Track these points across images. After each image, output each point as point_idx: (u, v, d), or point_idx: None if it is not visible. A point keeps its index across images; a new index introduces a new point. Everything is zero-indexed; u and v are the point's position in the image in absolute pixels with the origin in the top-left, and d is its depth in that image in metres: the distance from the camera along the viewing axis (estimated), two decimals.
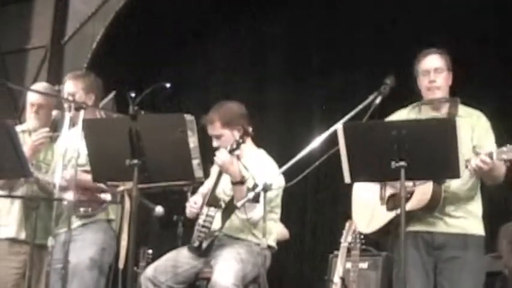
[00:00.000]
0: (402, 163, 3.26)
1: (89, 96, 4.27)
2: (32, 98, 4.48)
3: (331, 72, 7.08)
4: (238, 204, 3.74)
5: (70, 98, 4.22)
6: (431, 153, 3.29)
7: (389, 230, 3.68)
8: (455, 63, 3.86)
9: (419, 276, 3.47)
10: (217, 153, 3.99)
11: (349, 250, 5.18)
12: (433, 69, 3.74)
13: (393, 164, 3.27)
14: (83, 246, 4.04)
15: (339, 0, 6.91)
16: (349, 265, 5.22)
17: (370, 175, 3.46)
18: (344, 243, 5.18)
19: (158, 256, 4.41)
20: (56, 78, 6.91)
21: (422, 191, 3.55)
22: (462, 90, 3.85)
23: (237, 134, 4.15)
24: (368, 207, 3.79)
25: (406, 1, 6.45)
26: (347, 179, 3.41)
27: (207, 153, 4.28)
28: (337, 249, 5.27)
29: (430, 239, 3.51)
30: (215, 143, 4.21)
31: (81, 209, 4.12)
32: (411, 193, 3.58)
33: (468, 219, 3.63)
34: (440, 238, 3.58)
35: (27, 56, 7.38)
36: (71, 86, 4.29)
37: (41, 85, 4.70)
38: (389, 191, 3.70)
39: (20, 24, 7.47)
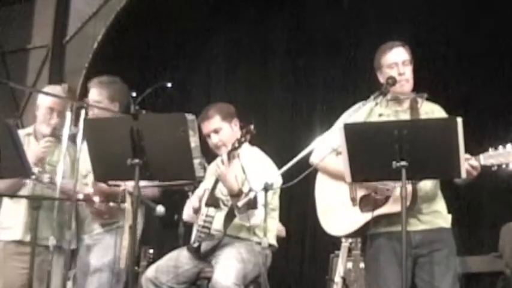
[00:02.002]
0: (403, 163, 3.26)
1: (113, 104, 4.31)
2: (48, 101, 4.37)
3: (332, 72, 7.08)
4: (240, 203, 3.73)
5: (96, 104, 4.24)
6: (432, 153, 3.28)
7: (363, 232, 3.65)
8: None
9: (394, 278, 3.46)
10: (218, 162, 3.98)
11: (350, 250, 5.18)
12: (401, 62, 3.70)
13: (394, 164, 3.26)
14: (102, 250, 4.15)
15: (341, 1, 6.91)
16: (350, 265, 5.22)
17: (371, 175, 3.45)
18: (345, 243, 5.18)
19: (159, 256, 4.42)
20: (57, 78, 6.93)
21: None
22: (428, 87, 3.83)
23: (235, 128, 4.16)
24: (336, 208, 3.73)
25: (407, 2, 6.47)
26: (348, 178, 3.41)
27: (208, 153, 4.29)
28: (338, 249, 5.27)
29: (408, 239, 3.45)
30: (214, 139, 4.19)
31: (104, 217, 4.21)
32: (387, 197, 3.57)
33: (438, 214, 3.66)
34: (417, 236, 3.58)
35: (29, 56, 7.38)
36: (96, 94, 4.31)
37: (53, 88, 4.55)
38: (359, 192, 3.67)
39: (22, 23, 7.48)
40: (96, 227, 4.29)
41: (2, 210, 4.41)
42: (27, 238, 4.23)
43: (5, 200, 4.37)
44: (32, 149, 4.31)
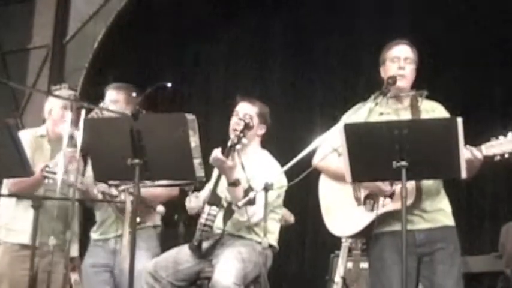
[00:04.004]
0: (403, 163, 3.25)
1: (128, 107, 4.42)
2: (60, 102, 4.43)
3: (332, 71, 7.08)
4: (240, 203, 3.73)
5: (111, 107, 4.34)
6: (432, 152, 3.28)
7: (369, 231, 3.64)
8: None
9: (398, 277, 3.45)
10: (216, 150, 3.99)
11: (350, 250, 5.18)
12: (403, 58, 3.72)
13: (394, 164, 3.26)
14: (138, 254, 4.13)
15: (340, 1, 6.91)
16: (350, 265, 5.22)
17: (371, 175, 3.45)
18: (345, 243, 5.18)
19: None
20: (57, 78, 6.93)
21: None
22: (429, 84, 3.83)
23: (259, 131, 4.24)
24: (340, 208, 3.72)
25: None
26: (348, 178, 3.41)
27: (208, 153, 4.29)
28: (338, 249, 5.27)
29: (412, 237, 3.48)
30: (238, 119, 4.22)
31: (137, 219, 4.22)
32: (392, 193, 3.57)
33: (442, 212, 3.65)
34: (421, 235, 3.57)
35: (29, 56, 7.39)
36: (114, 95, 4.48)
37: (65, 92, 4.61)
38: (363, 191, 3.67)
39: (22, 23, 7.48)
40: (121, 228, 4.32)
41: (12, 213, 4.42)
42: (36, 243, 4.23)
43: (15, 203, 4.39)
44: (44, 153, 4.40)
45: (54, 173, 4.08)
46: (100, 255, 4.41)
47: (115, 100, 4.46)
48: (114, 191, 4.30)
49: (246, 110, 4.24)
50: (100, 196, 4.31)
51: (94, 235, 4.51)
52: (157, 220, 4.48)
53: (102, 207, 4.45)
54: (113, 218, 4.38)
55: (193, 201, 4.27)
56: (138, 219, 4.09)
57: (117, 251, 4.33)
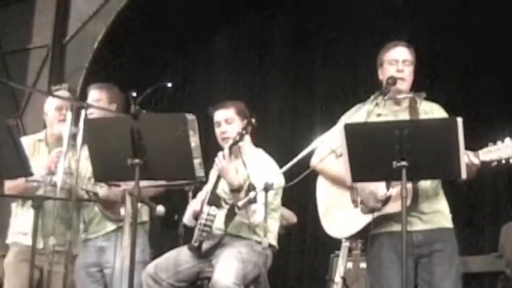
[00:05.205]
0: (403, 163, 3.25)
1: (111, 105, 4.46)
2: (55, 102, 4.48)
3: (332, 72, 7.09)
4: (240, 203, 3.74)
5: (95, 104, 4.35)
6: (433, 153, 3.28)
7: (365, 233, 3.64)
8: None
9: (397, 277, 3.46)
10: (218, 155, 3.99)
11: (350, 250, 5.18)
12: (402, 60, 3.71)
13: (394, 164, 3.26)
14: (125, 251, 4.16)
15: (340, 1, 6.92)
16: (350, 265, 5.22)
17: (371, 175, 3.45)
18: (345, 243, 5.18)
19: (159, 256, 4.42)
20: (57, 78, 6.93)
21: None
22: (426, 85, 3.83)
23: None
24: (337, 210, 3.73)
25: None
26: (349, 179, 3.41)
27: (208, 153, 4.29)
28: (338, 249, 5.28)
29: (409, 238, 3.47)
30: (223, 127, 4.22)
31: (122, 211, 4.23)
32: (387, 199, 3.56)
33: (440, 214, 3.64)
34: (419, 236, 3.57)
35: (29, 56, 7.38)
36: (96, 95, 4.50)
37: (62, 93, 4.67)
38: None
39: (22, 23, 7.48)
40: (108, 225, 4.34)
41: (18, 215, 4.47)
42: (40, 244, 4.24)
43: (20, 205, 4.43)
44: (41, 156, 4.41)
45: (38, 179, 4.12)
46: (89, 255, 4.40)
47: (98, 99, 4.47)
48: (97, 189, 4.30)
49: (225, 116, 4.24)
50: (85, 195, 4.30)
51: (83, 235, 4.50)
52: (143, 216, 4.42)
53: (88, 207, 4.43)
54: (100, 217, 4.37)
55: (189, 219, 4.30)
56: (122, 212, 4.12)
57: (105, 248, 4.32)
